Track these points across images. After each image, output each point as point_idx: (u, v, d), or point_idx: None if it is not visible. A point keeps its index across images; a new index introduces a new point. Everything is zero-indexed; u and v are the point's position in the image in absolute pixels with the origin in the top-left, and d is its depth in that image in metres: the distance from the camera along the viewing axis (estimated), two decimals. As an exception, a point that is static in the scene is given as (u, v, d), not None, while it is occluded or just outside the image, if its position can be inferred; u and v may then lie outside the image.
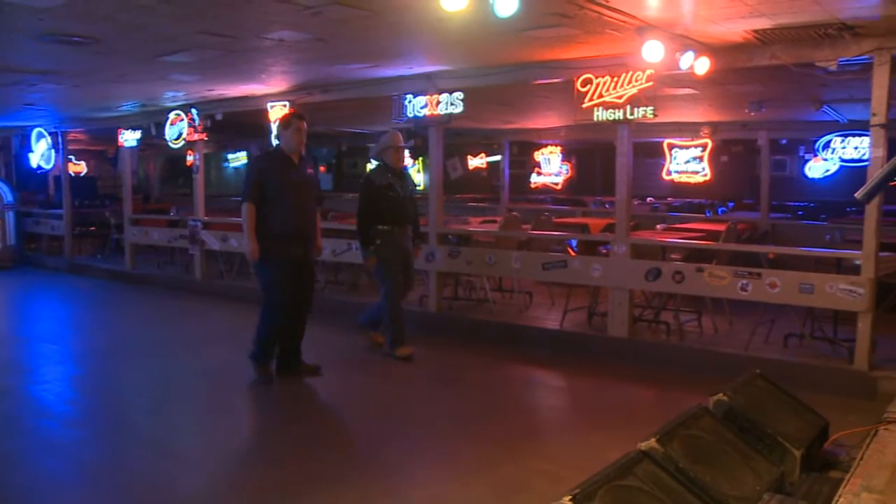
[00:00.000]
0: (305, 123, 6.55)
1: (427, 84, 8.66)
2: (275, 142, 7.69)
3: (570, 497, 2.73)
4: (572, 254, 8.47)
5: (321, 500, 4.26)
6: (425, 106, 8.63)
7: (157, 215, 14.29)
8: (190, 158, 13.58)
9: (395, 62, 8.14)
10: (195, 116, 11.30)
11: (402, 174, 7.49)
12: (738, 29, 6.18)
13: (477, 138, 16.85)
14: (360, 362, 7.46)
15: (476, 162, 19.01)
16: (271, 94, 10.24)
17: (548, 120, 13.88)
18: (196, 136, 11.44)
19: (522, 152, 18.34)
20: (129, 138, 12.82)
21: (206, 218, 11.84)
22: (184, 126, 11.42)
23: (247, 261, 6.53)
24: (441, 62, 8.23)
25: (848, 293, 6.47)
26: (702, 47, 6.62)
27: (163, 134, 11.78)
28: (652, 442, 3.34)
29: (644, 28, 6.16)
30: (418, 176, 18.19)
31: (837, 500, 3.27)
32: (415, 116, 8.71)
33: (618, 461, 3.14)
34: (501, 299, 9.68)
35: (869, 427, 4.43)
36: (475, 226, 10.93)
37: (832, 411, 4.80)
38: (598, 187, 19.03)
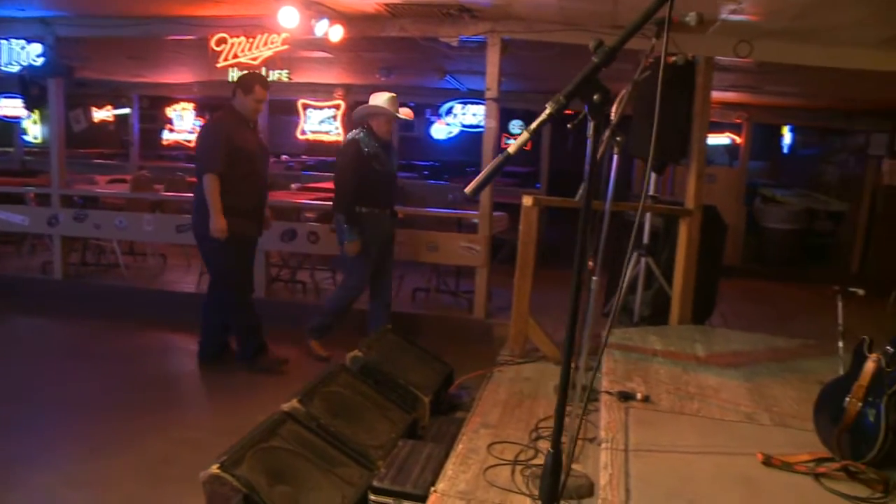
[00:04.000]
0: (267, 92, 5.88)
1: (45, 30, 7.86)
2: None
3: (218, 465, 2.76)
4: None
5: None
6: (43, 54, 7.87)
7: None
8: None
9: (3, 1, 7.30)
10: None
11: (389, 146, 6.21)
12: (370, 1, 6.43)
13: (103, 90, 15.65)
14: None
15: (102, 115, 17.65)
16: None
17: (181, 75, 13.30)
18: None
19: (154, 106, 17.40)
20: None
21: None
22: None
23: None
24: (60, 7, 7.53)
25: (467, 250, 7.15)
26: (336, 15, 6.78)
27: None
28: (294, 402, 3.48)
29: (280, -8, 6.20)
30: (35, 128, 16.40)
31: (461, 439, 3.68)
32: (30, 65, 7.90)
33: (262, 424, 3.23)
34: (134, 263, 9.31)
35: (485, 370, 4.99)
36: (103, 185, 10.22)
37: (456, 358, 5.32)
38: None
